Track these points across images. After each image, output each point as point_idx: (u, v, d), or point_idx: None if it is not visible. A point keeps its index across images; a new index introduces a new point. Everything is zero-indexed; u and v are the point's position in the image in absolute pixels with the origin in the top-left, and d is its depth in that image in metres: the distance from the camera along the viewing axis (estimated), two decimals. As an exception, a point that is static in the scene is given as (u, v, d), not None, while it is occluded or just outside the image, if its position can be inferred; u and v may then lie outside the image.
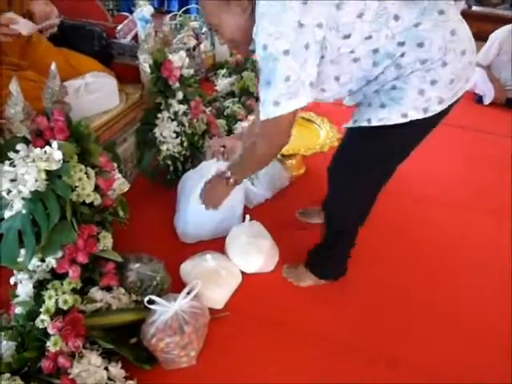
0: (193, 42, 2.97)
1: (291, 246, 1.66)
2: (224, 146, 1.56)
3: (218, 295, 1.40)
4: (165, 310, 1.19)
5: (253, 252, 1.49)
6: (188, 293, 1.22)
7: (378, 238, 1.76)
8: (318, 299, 1.48)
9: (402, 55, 0.99)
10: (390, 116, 1.06)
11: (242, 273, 1.52)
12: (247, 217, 1.58)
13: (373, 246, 1.70)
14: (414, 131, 1.12)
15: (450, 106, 1.07)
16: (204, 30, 3.35)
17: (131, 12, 3.33)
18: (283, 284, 1.53)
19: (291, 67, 0.95)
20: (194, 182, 1.55)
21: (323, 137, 2.01)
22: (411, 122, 1.05)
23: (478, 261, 1.70)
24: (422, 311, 1.48)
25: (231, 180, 1.32)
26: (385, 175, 1.27)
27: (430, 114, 1.04)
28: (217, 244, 1.63)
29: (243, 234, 1.52)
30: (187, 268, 1.48)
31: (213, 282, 1.37)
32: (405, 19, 0.96)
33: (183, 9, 3.46)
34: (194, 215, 1.56)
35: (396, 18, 0.95)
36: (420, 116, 1.04)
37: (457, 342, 1.38)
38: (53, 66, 1.13)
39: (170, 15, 3.27)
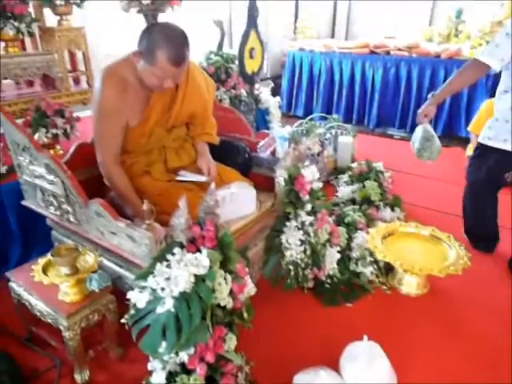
0: (317, 148, 3.21)
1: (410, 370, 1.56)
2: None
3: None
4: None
5: (370, 382, 1.42)
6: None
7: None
8: None
9: None
10: None
11: (357, 398, 1.45)
12: (365, 337, 1.54)
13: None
14: None
15: None
16: (327, 136, 3.61)
17: (267, 126, 3.79)
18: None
19: None
20: None
21: (454, 257, 1.93)
22: None
23: None
24: None
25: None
26: None
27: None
28: (330, 358, 1.60)
29: (360, 356, 1.47)
30: (300, 381, 1.47)
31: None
32: None
33: (309, 117, 3.80)
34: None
35: None
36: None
37: None
38: (212, 186, 1.35)
39: (298, 122, 3.62)
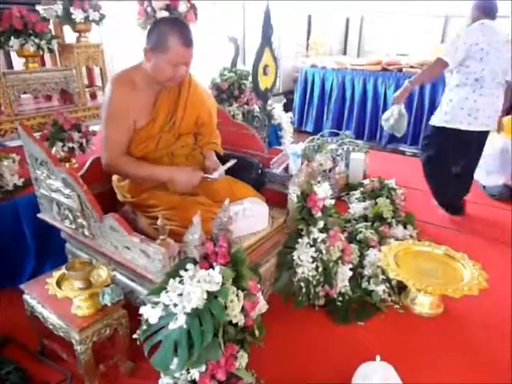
0: (329, 165, 3.21)
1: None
2: None
3: None
4: None
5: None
6: None
7: None
8: None
9: None
10: None
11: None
12: (378, 357, 1.52)
13: None
14: None
15: None
16: (339, 152, 3.61)
17: (279, 142, 3.81)
18: None
19: None
20: None
21: (469, 277, 1.90)
22: None
23: None
24: None
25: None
26: None
27: None
28: (342, 377, 1.58)
29: (373, 376, 1.45)
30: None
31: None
32: None
33: (320, 133, 3.81)
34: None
35: None
36: None
37: None
38: (226, 202, 1.36)
39: (309, 138, 3.63)
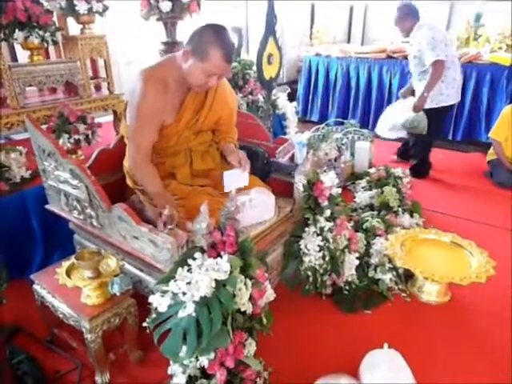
0: (335, 154, 3.20)
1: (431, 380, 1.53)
2: None
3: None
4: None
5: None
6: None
7: None
8: None
9: None
10: None
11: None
12: (386, 345, 1.53)
13: None
14: None
15: None
16: (344, 141, 3.60)
17: (284, 131, 3.79)
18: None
19: None
20: None
21: (476, 264, 1.90)
22: None
23: None
24: None
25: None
26: None
27: None
28: (349, 365, 1.59)
29: (381, 364, 1.45)
30: (319, 388, 1.46)
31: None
32: None
33: (325, 122, 3.79)
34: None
35: None
36: None
37: None
38: (233, 192, 1.36)
39: (314, 128, 3.61)
